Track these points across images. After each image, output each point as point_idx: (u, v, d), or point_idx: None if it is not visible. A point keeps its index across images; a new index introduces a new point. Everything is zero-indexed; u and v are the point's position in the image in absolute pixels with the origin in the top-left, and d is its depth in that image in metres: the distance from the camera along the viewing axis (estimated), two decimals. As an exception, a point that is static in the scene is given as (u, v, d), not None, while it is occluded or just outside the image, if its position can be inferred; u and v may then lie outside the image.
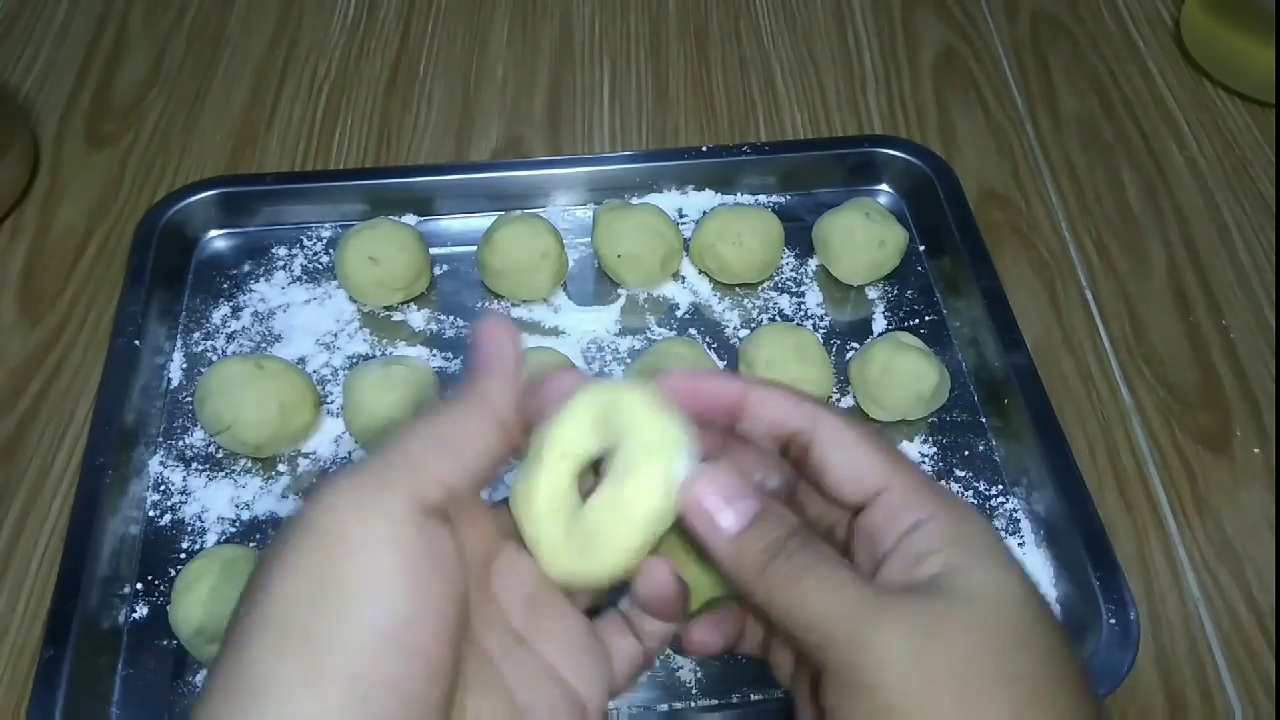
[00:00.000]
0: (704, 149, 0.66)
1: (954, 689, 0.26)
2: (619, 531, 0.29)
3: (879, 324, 0.60)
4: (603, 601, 0.34)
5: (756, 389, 0.33)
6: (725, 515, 0.29)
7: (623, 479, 0.29)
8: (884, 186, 0.67)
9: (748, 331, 0.59)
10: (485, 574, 0.30)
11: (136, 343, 0.56)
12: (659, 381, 0.32)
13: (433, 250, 0.61)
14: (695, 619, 0.33)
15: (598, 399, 0.31)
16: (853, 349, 0.59)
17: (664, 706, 0.47)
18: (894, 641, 0.26)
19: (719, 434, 0.33)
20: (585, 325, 0.60)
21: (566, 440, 0.30)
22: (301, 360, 0.58)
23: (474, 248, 0.61)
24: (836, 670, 0.27)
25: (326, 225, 0.64)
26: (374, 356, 0.58)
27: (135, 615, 0.49)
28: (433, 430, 0.28)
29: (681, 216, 0.64)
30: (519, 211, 0.63)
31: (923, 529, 0.29)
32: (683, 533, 0.30)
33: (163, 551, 0.51)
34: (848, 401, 0.57)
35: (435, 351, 0.59)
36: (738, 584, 0.30)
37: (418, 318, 0.60)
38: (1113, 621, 0.47)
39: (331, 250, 0.63)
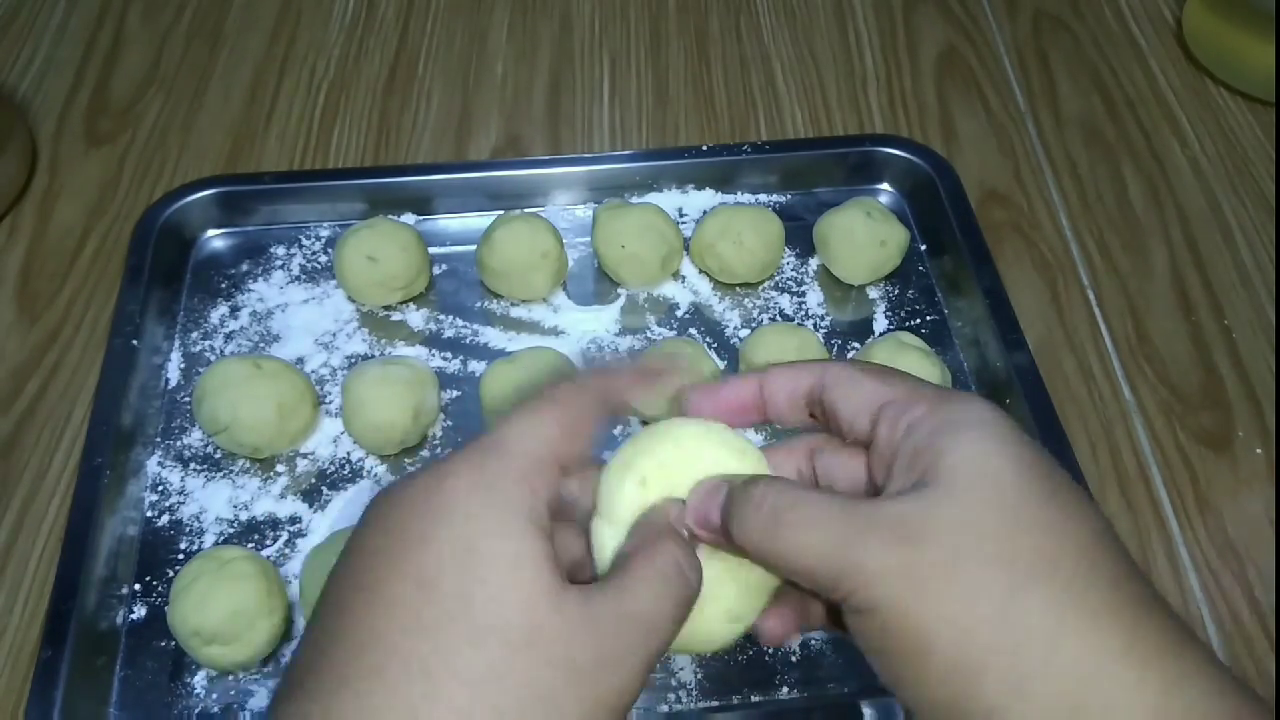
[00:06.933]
0: (704, 148, 0.66)
1: (944, 592, 0.25)
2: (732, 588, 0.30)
3: (880, 324, 0.60)
4: None
5: (768, 371, 0.32)
6: (704, 515, 0.29)
7: None
8: (885, 186, 0.66)
9: (748, 331, 0.59)
10: None
11: (134, 342, 0.56)
12: (692, 406, 0.32)
13: (432, 250, 0.61)
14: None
15: (669, 435, 0.31)
16: (854, 349, 0.59)
17: (664, 707, 0.47)
18: (875, 561, 0.25)
19: None
20: (585, 325, 0.60)
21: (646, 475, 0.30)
22: (300, 360, 0.58)
23: (473, 247, 0.61)
24: (844, 600, 0.26)
25: (325, 224, 0.64)
26: (373, 356, 0.58)
27: (133, 616, 0.49)
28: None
29: (682, 216, 0.64)
30: (518, 211, 0.63)
31: (916, 426, 0.28)
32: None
33: (160, 552, 0.51)
34: (848, 401, 0.57)
35: (434, 351, 0.59)
36: (754, 558, 0.29)
37: (416, 317, 0.60)
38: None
39: (330, 250, 0.63)
